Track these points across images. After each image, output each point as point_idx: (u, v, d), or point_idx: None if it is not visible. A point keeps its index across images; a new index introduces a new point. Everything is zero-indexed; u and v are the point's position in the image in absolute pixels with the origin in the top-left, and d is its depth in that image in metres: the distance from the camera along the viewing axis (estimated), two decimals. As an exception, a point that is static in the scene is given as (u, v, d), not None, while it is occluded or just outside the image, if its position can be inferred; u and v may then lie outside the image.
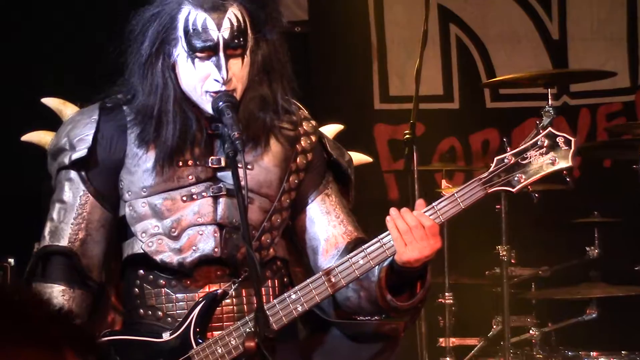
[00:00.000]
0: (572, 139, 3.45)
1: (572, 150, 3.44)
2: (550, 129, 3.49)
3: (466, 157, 7.34)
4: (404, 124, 5.84)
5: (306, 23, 7.32)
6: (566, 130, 6.64)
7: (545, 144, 3.43)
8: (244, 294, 3.61)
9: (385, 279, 3.43)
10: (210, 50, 3.46)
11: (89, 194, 3.66)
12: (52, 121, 3.86)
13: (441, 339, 6.04)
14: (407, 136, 5.45)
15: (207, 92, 3.47)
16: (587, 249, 6.09)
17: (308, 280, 3.53)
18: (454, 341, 6.07)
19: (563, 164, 3.39)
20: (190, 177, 3.61)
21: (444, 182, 6.27)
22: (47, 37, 6.51)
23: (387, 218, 3.36)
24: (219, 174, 3.58)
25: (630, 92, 7.48)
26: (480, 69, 7.50)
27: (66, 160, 3.65)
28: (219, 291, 3.57)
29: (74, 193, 3.69)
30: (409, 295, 3.49)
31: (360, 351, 3.75)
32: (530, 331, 6.03)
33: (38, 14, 6.80)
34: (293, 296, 3.50)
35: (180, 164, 3.61)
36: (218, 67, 3.46)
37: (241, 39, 3.49)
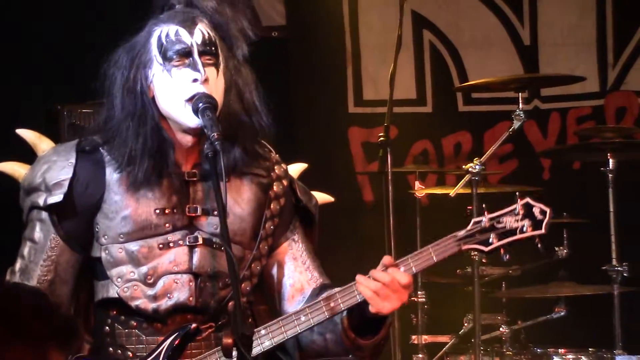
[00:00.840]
0: (548, 210, 3.51)
1: (546, 220, 3.50)
2: (528, 199, 3.56)
3: (439, 159, 7.37)
4: (378, 127, 5.98)
5: (283, 28, 7.40)
6: (537, 133, 7.50)
7: (521, 212, 3.51)
8: (212, 338, 3.64)
9: (348, 319, 3.50)
10: (185, 56, 3.51)
11: (59, 238, 3.68)
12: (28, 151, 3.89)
13: (414, 337, 6.09)
14: (381, 139, 5.49)
15: (186, 100, 3.46)
16: (556, 249, 6.13)
17: (279, 319, 3.59)
18: (426, 338, 6.11)
19: (536, 231, 3.45)
20: (167, 224, 3.63)
21: (417, 184, 6.28)
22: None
23: (357, 282, 3.43)
24: (196, 222, 3.63)
25: (600, 96, 7.59)
26: (453, 73, 7.57)
27: (40, 202, 3.68)
28: (192, 326, 3.59)
29: (44, 235, 3.72)
30: (371, 334, 3.55)
31: None
32: (501, 329, 6.06)
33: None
34: (262, 331, 3.55)
35: (158, 211, 3.63)
36: (194, 67, 3.49)
37: (213, 48, 3.56)
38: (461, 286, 6.36)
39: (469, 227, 3.46)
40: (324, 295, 3.60)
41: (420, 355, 6.11)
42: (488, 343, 6.12)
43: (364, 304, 3.40)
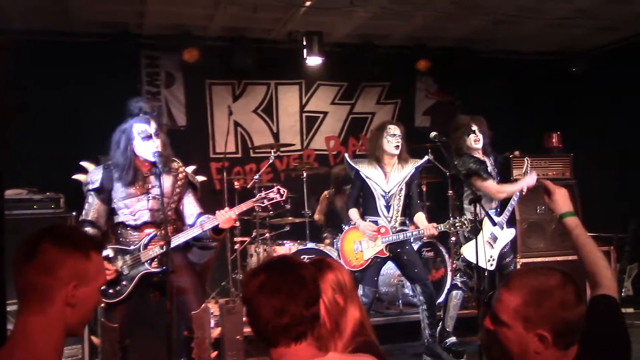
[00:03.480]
0: (286, 190, 3.86)
1: (285, 194, 3.86)
2: (278, 186, 3.88)
3: (244, 174, 7.31)
4: (221, 162, 6.56)
5: (185, 126, 7.35)
6: (279, 164, 7.48)
7: (277, 191, 3.83)
8: (159, 236, 3.77)
9: (211, 229, 3.72)
10: (149, 137, 3.74)
11: (98, 200, 3.81)
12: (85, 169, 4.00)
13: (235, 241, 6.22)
14: (224, 166, 6.31)
15: (152, 152, 3.72)
16: (283, 218, 6.32)
17: (185, 230, 3.77)
18: (238, 241, 6.26)
19: (281, 198, 3.85)
20: (138, 192, 3.78)
21: (235, 183, 6.47)
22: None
23: (217, 214, 3.68)
24: (149, 190, 3.76)
25: (301, 150, 7.84)
26: (248, 142, 7.61)
27: (90, 187, 3.83)
28: (153, 232, 3.81)
29: (92, 200, 3.81)
30: (219, 234, 3.80)
31: (204, 253, 4.00)
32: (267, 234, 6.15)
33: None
34: (180, 235, 3.71)
35: (133, 188, 3.78)
36: (154, 142, 3.74)
37: (157, 132, 3.77)
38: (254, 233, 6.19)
39: (256, 198, 3.86)
40: (202, 217, 3.81)
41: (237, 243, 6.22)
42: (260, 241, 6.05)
43: (218, 225, 3.68)
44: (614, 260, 6.10)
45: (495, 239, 5.05)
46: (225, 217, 3.65)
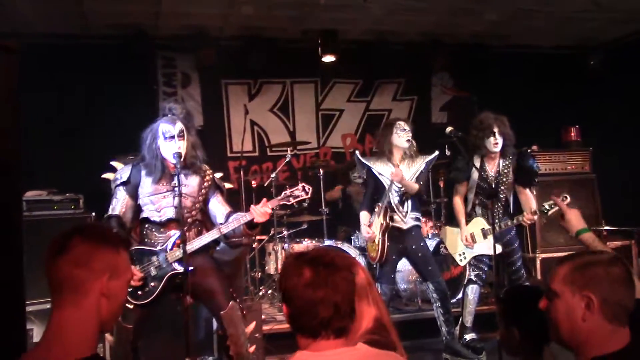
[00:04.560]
0: (310, 188, 3.78)
1: (310, 192, 3.78)
2: (304, 184, 3.79)
3: (261, 173, 7.26)
4: (238, 161, 6.54)
5: (202, 126, 7.19)
6: (295, 163, 7.51)
7: (301, 188, 3.78)
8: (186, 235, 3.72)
9: (245, 224, 3.67)
10: (172, 138, 3.75)
11: (126, 195, 3.83)
12: (114, 168, 4.00)
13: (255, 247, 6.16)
14: (241, 164, 6.34)
15: (172, 153, 3.75)
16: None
17: (215, 227, 3.77)
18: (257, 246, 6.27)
19: (306, 196, 3.77)
20: (163, 189, 3.80)
21: (252, 182, 6.52)
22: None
23: (252, 209, 3.64)
24: (175, 188, 3.71)
25: (318, 148, 7.80)
26: (265, 141, 7.60)
27: (118, 182, 3.86)
28: (178, 233, 3.77)
29: (121, 194, 3.84)
30: (253, 230, 3.76)
31: (237, 251, 4.10)
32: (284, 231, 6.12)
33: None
34: (206, 234, 3.74)
35: (160, 185, 3.81)
36: (176, 143, 3.75)
37: (182, 133, 3.79)
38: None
39: (283, 195, 3.79)
40: (234, 216, 3.79)
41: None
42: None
43: (252, 219, 3.66)
44: (636, 254, 5.96)
45: (475, 240, 4.95)
46: (261, 211, 3.64)
